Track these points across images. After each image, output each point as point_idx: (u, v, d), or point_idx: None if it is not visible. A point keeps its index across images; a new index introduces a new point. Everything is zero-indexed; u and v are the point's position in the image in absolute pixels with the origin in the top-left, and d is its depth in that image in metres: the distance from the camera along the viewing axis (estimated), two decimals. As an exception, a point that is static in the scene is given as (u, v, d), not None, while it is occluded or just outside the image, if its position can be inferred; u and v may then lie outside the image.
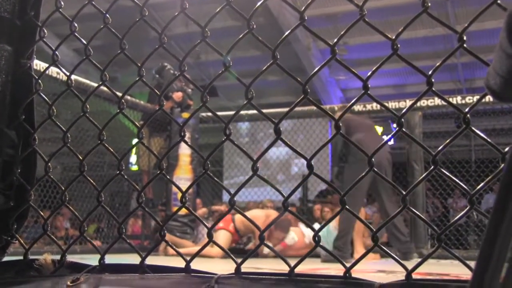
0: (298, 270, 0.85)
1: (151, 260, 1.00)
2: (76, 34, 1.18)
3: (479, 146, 6.09)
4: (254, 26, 0.99)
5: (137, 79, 1.12)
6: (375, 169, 0.87)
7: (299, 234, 4.27)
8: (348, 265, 0.83)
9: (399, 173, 5.00)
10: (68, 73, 1.21)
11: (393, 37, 0.87)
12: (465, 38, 0.83)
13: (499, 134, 5.39)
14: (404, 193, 0.83)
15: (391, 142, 6.18)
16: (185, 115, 4.90)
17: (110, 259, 1.04)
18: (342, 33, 0.94)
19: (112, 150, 1.16)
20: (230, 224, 4.28)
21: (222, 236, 4.23)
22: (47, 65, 1.33)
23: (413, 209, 0.86)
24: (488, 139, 0.83)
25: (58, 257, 1.08)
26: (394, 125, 0.90)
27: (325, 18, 7.47)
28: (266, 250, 4.07)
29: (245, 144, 7.33)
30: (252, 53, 8.03)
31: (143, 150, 5.18)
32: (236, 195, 0.97)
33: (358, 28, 7.06)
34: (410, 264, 0.80)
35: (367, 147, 0.90)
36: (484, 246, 0.45)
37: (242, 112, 5.01)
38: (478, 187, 0.80)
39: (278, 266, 0.91)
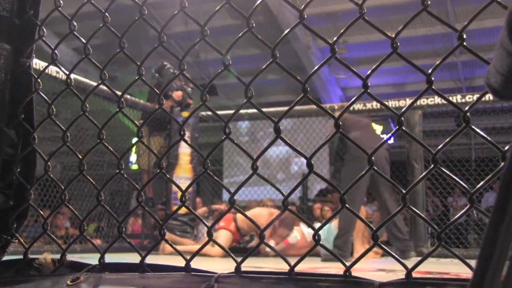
0: (298, 269, 0.85)
1: (151, 259, 1.00)
2: (75, 33, 1.18)
3: (479, 145, 6.09)
4: (254, 25, 0.99)
5: (137, 78, 1.12)
6: (375, 168, 0.87)
7: (300, 234, 4.27)
8: (348, 264, 0.83)
9: (399, 172, 5.01)
10: (67, 72, 1.21)
11: (393, 36, 0.87)
12: (465, 36, 0.83)
13: (499, 133, 5.39)
14: (404, 191, 0.83)
15: (391, 141, 6.19)
16: (185, 114, 4.90)
17: (110, 258, 1.03)
18: (341, 31, 0.93)
19: (111, 149, 1.16)
20: (231, 223, 4.28)
21: (223, 236, 4.23)
22: (46, 64, 1.32)
23: (413, 208, 0.86)
24: (488, 138, 0.82)
25: (58, 256, 1.08)
26: (394, 124, 0.90)
27: (324, 17, 7.46)
28: (268, 249, 4.08)
29: (245, 143, 7.33)
30: (251, 51, 8.03)
31: (143, 149, 5.18)
32: (236, 194, 0.97)
33: (358, 27, 7.06)
34: (410, 263, 0.80)
35: (363, 145, 0.90)
36: (485, 245, 0.45)
37: (242, 111, 5.01)
38: (478, 185, 0.80)
39: (278, 265, 0.91)
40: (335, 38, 0.92)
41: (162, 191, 5.27)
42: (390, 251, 0.87)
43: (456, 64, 8.43)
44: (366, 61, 8.05)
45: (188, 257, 0.95)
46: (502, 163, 0.75)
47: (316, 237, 0.86)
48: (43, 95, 1.20)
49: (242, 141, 7.76)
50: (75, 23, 1.18)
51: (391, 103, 4.79)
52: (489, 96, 0.70)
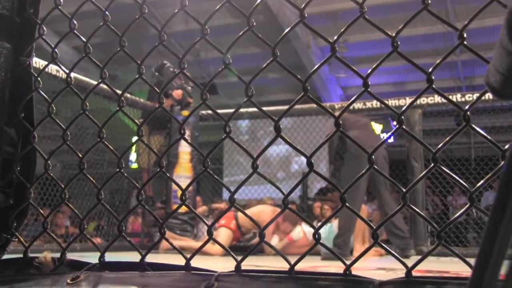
0: (298, 267, 0.85)
1: (151, 258, 1.00)
2: (76, 32, 1.18)
3: (479, 144, 6.09)
4: (254, 24, 0.99)
5: (137, 76, 1.12)
6: (375, 167, 0.87)
7: (302, 231, 4.28)
8: (348, 262, 0.83)
9: (399, 171, 5.01)
10: (67, 71, 1.21)
11: (393, 35, 0.87)
12: (465, 35, 0.83)
13: (499, 132, 5.39)
14: (404, 190, 0.83)
15: (391, 140, 6.19)
16: (185, 113, 4.89)
17: (110, 257, 1.04)
18: (342, 30, 0.93)
19: (111, 148, 1.16)
20: (232, 222, 4.28)
21: (223, 234, 4.23)
22: (46, 62, 1.32)
23: (413, 207, 0.86)
24: (488, 137, 0.83)
25: (58, 255, 1.08)
26: (394, 123, 0.90)
27: (325, 16, 7.45)
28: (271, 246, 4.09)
29: (245, 142, 7.33)
30: (252, 50, 8.02)
31: (143, 148, 5.18)
32: (236, 193, 0.97)
33: (358, 26, 7.05)
34: (410, 262, 0.80)
35: (363, 144, 0.90)
36: (484, 244, 0.45)
37: (242, 109, 5.01)
38: (478, 184, 0.80)
39: (279, 264, 0.91)
40: (335, 37, 0.92)
41: (162, 190, 5.28)
42: (390, 249, 0.87)
43: (456, 63, 8.43)
44: (367, 60, 8.04)
45: (188, 255, 0.96)
46: (502, 162, 0.75)
47: (316, 236, 0.87)
48: (43, 93, 1.20)
49: (242, 140, 7.76)
50: (75, 22, 1.18)
51: (391, 102, 4.79)
52: (489, 95, 0.70)
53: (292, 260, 0.86)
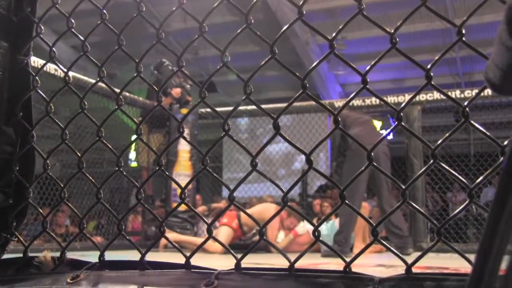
0: (298, 265, 0.85)
1: (151, 256, 1.00)
2: (73, 31, 1.18)
3: (478, 140, 6.10)
4: (252, 21, 0.99)
5: (135, 75, 1.12)
6: (375, 164, 0.87)
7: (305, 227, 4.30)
8: (347, 259, 0.83)
9: (398, 167, 5.01)
10: (65, 70, 1.21)
11: (392, 31, 0.86)
12: (464, 31, 0.83)
13: (498, 128, 5.39)
14: (403, 187, 0.83)
15: (390, 137, 6.19)
16: (184, 111, 4.89)
17: (110, 255, 1.04)
18: (340, 27, 0.93)
19: (110, 147, 1.15)
20: (234, 221, 4.29)
21: (223, 232, 4.24)
22: (44, 61, 1.32)
23: (412, 204, 0.86)
24: (487, 133, 0.82)
25: (58, 254, 1.08)
26: (393, 119, 0.90)
27: (323, 13, 7.44)
28: (279, 241, 4.10)
29: (244, 140, 7.33)
30: (251, 48, 8.01)
31: (142, 147, 5.18)
32: (235, 191, 0.97)
33: (357, 23, 7.04)
34: (410, 259, 0.80)
35: (364, 141, 0.90)
36: (484, 239, 0.45)
37: (241, 107, 5.00)
38: (478, 180, 0.80)
39: (281, 261, 0.91)
40: (334, 34, 0.92)
41: (162, 189, 5.28)
42: (390, 246, 0.87)
43: (455, 59, 8.42)
44: (365, 57, 8.03)
45: (187, 253, 0.96)
46: (501, 158, 0.75)
47: (316, 233, 0.87)
48: (41, 93, 1.19)
49: (242, 137, 7.76)
50: (73, 21, 1.18)
51: (390, 99, 4.79)
52: (488, 91, 0.70)
53: (295, 257, 0.86)
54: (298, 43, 7.88)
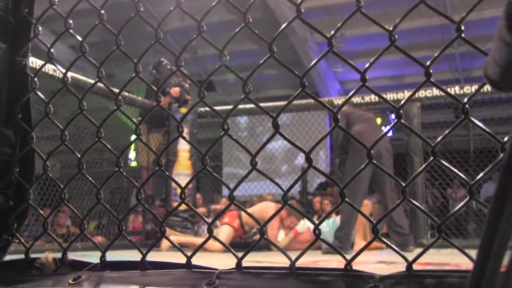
0: (299, 263, 0.85)
1: (151, 256, 1.00)
2: (71, 31, 1.17)
3: (478, 136, 6.10)
4: (250, 20, 0.98)
5: (134, 75, 1.11)
6: (374, 161, 0.87)
7: (306, 225, 4.30)
8: (348, 257, 0.83)
9: (399, 164, 5.01)
10: (64, 70, 1.20)
11: (391, 29, 0.86)
12: (463, 28, 0.82)
13: (497, 124, 5.39)
14: (404, 184, 0.83)
15: (390, 134, 6.19)
16: (183, 110, 4.88)
17: (111, 255, 1.04)
18: (339, 25, 0.93)
19: (110, 147, 1.15)
20: (236, 221, 4.30)
21: (225, 231, 4.24)
22: (43, 62, 1.31)
23: (413, 201, 0.86)
24: (487, 129, 0.82)
25: (59, 255, 1.08)
26: (393, 116, 0.90)
27: (321, 10, 7.43)
28: (278, 240, 4.11)
29: (244, 138, 7.32)
30: (249, 46, 8.00)
31: (142, 147, 5.17)
32: (235, 190, 0.97)
33: (355, 20, 7.00)
34: (410, 255, 0.80)
35: (366, 139, 0.90)
36: (485, 236, 0.45)
37: (240, 106, 5.00)
38: (478, 177, 0.80)
39: (282, 259, 0.91)
40: (332, 32, 0.92)
41: (162, 188, 5.28)
42: (390, 244, 0.87)
43: (454, 55, 8.42)
44: (364, 54, 8.02)
45: (188, 253, 0.96)
46: (501, 154, 0.75)
47: (317, 232, 0.87)
48: (40, 94, 1.19)
49: (241, 136, 7.76)
50: (70, 21, 1.17)
51: (390, 96, 4.79)
52: (487, 87, 0.70)
53: (295, 255, 0.86)
54: (296, 41, 7.87)
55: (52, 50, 1.19)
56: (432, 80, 0.84)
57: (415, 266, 0.79)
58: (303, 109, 5.53)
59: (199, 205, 5.53)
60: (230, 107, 1.04)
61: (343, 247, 3.50)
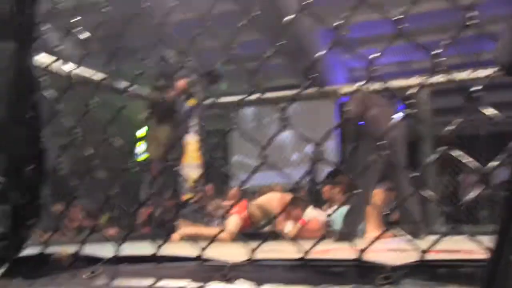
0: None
1: (164, 248, 1.01)
2: (77, 27, 1.18)
3: (489, 121, 6.00)
4: (256, 13, 0.97)
5: (140, 70, 1.12)
6: (386, 149, 0.86)
7: (312, 214, 4.31)
8: (359, 244, 0.83)
9: (409, 152, 4.97)
10: (72, 67, 1.21)
11: (397, 16, 0.85)
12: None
13: (508, 108, 5.31)
14: (415, 174, 0.83)
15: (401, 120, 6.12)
16: (190, 102, 4.89)
17: (125, 246, 1.05)
18: (346, 14, 0.91)
19: (117, 144, 1.16)
20: (244, 211, 4.33)
21: (233, 221, 4.28)
22: (50, 59, 1.32)
23: (425, 191, 0.85)
24: (499, 113, 0.81)
25: (74, 249, 1.10)
26: (402, 104, 0.89)
27: (327, -3, 7.32)
28: (286, 231, 4.13)
29: (251, 129, 7.32)
30: (254, 36, 7.93)
31: (150, 140, 5.20)
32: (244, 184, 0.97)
33: (360, 6, 6.90)
34: (422, 243, 0.80)
35: (381, 124, 0.90)
36: (501, 226, 0.44)
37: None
38: (490, 165, 0.79)
39: (289, 248, 0.92)
40: (338, 22, 0.90)
41: (171, 181, 5.31)
42: (402, 233, 0.87)
43: (463, 39, 8.27)
44: (370, 40, 7.90)
45: (200, 243, 0.96)
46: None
47: (328, 223, 0.87)
48: (48, 92, 1.20)
49: (249, 127, 7.75)
50: (77, 17, 1.17)
51: (397, 83, 4.73)
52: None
53: (306, 245, 0.87)
54: (302, 29, 7.79)
55: (59, 46, 1.19)
56: (441, 65, 0.82)
57: (427, 255, 0.79)
58: (311, 98, 5.49)
59: (209, 195, 5.55)
60: (236, 98, 1.04)
61: (351, 233, 3.50)
